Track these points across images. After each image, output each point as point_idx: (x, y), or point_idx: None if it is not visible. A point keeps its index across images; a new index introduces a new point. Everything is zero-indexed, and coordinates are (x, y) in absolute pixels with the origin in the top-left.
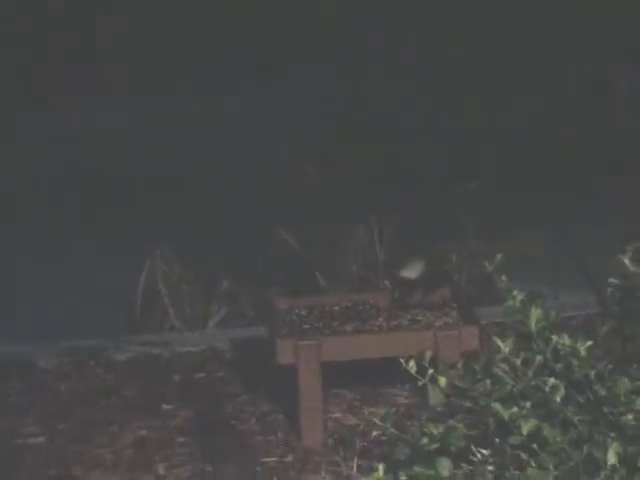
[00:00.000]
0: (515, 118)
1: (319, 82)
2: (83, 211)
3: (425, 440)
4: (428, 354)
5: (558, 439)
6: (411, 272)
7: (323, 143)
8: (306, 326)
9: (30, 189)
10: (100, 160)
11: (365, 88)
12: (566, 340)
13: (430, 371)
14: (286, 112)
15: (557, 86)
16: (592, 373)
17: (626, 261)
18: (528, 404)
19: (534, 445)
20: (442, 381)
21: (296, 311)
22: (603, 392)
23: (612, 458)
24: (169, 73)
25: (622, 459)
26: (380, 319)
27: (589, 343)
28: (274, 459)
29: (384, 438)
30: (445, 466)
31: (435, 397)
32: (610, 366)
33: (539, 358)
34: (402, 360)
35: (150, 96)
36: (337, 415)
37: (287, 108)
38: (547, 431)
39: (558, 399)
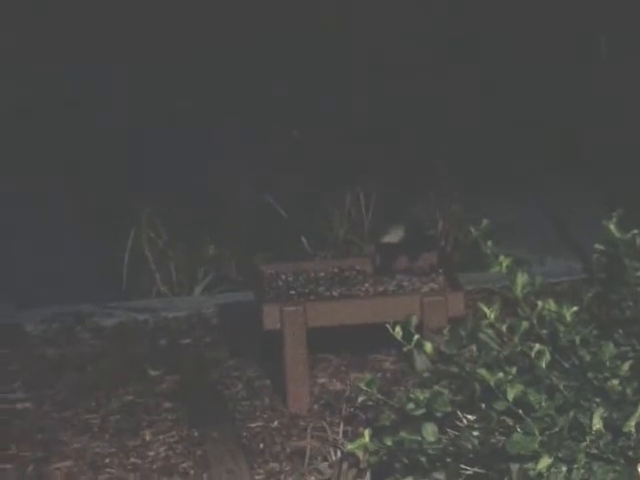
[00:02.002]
0: (499, 82)
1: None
2: (68, 177)
3: (411, 405)
4: (414, 320)
5: (544, 404)
6: (392, 237)
7: (307, 107)
8: (292, 292)
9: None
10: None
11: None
12: (552, 306)
13: (416, 337)
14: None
15: (538, 50)
16: (577, 339)
17: (612, 227)
18: (514, 370)
19: (520, 410)
20: (428, 347)
21: (282, 277)
22: (588, 357)
23: (597, 423)
24: None
25: (607, 424)
26: (366, 285)
27: (575, 309)
28: (260, 424)
29: (370, 403)
30: (431, 431)
31: (421, 363)
32: (595, 332)
33: (525, 324)
34: (388, 326)
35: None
36: (323, 380)
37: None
38: (533, 396)
39: (544, 365)
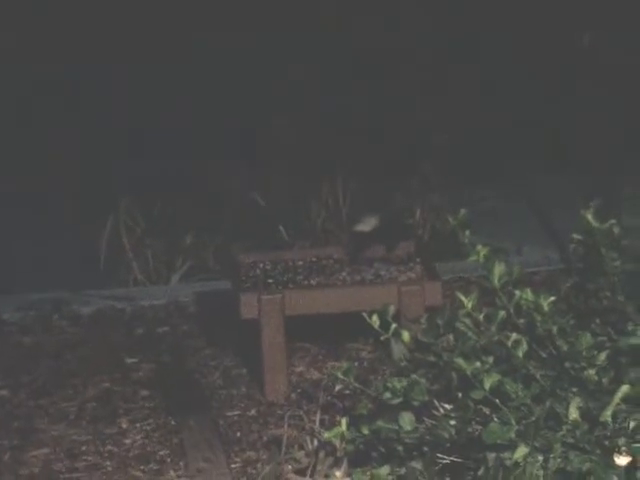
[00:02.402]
0: (482, 71)
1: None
2: (49, 161)
3: (388, 394)
4: (391, 309)
5: (520, 394)
6: (364, 226)
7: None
8: (270, 280)
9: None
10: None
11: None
12: (529, 295)
13: (393, 326)
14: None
15: (524, 39)
16: (554, 328)
17: (589, 217)
18: (491, 359)
19: (496, 400)
20: (405, 336)
21: (260, 265)
22: (565, 347)
23: (574, 413)
24: None
25: (584, 414)
26: (344, 273)
27: (552, 299)
28: (237, 413)
29: (347, 392)
30: (408, 420)
31: (398, 352)
32: (572, 321)
33: (502, 313)
34: (365, 314)
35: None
36: (300, 369)
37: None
38: (509, 386)
39: (520, 354)
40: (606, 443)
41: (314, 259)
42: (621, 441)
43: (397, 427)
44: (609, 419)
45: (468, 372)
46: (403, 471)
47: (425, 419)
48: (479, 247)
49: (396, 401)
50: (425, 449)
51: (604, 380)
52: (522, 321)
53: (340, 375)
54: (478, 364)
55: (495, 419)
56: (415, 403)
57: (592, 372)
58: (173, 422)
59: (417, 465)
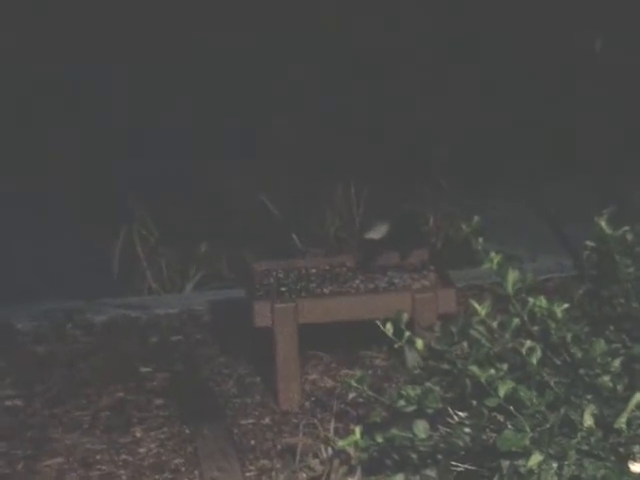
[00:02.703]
0: (488, 77)
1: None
2: (66, 177)
3: (402, 402)
4: (405, 316)
5: (535, 401)
6: (375, 234)
7: (306, 107)
8: (283, 289)
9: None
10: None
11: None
12: (543, 302)
13: (407, 333)
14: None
15: (524, 39)
16: (569, 335)
17: (602, 223)
18: (505, 366)
19: (510, 407)
20: (419, 343)
21: (273, 274)
22: (579, 354)
23: (588, 420)
24: None
25: (598, 421)
26: (357, 281)
27: (566, 305)
28: (251, 421)
29: (361, 400)
30: (422, 428)
31: (412, 359)
32: (586, 328)
33: (516, 320)
34: (379, 322)
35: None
36: (314, 377)
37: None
38: (524, 393)
39: (535, 361)
40: (621, 450)
41: (327, 267)
42: (636, 448)
43: (411, 435)
44: (624, 426)
45: (482, 379)
46: (417, 479)
47: (439, 427)
48: (492, 254)
49: (410, 409)
50: (439, 457)
51: (618, 387)
52: (536, 328)
53: (354, 383)
54: (492, 371)
55: (509, 426)
56: (429, 411)
57: (606, 379)
58: (187, 431)
59: (431, 473)
